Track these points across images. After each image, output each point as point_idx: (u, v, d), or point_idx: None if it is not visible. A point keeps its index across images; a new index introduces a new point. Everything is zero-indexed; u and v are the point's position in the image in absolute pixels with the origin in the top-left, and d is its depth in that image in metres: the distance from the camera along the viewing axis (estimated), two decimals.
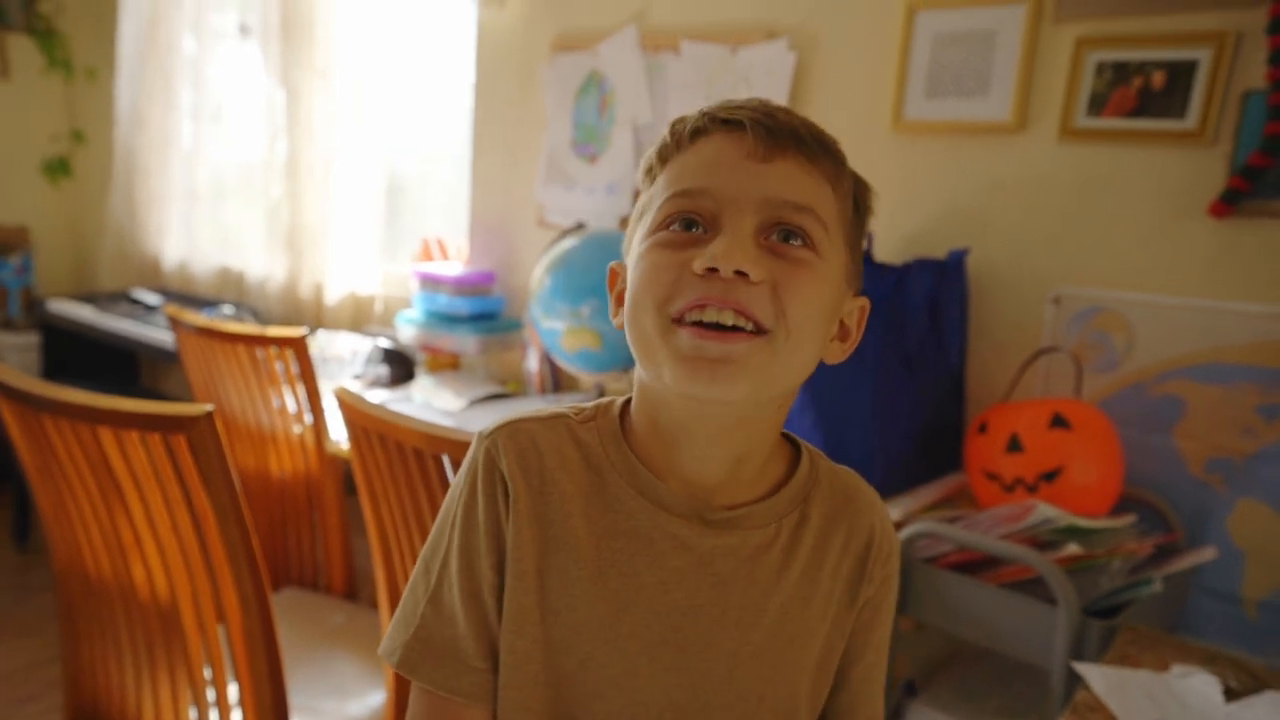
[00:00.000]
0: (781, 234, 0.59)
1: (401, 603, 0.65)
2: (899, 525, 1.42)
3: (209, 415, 1.03)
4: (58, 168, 3.59)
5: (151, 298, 2.90)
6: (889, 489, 1.53)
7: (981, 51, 1.65)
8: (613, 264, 0.68)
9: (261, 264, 2.89)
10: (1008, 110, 1.62)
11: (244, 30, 3.00)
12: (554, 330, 1.92)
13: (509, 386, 2.21)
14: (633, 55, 2.10)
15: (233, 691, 1.20)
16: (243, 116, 3.03)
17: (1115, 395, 1.54)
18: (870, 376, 1.50)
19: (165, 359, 2.42)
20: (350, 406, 1.23)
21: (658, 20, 2.08)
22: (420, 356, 2.32)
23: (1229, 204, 1.42)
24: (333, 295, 2.71)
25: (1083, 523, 1.27)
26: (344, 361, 2.20)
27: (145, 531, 1.13)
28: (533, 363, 2.16)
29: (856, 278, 0.65)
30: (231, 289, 3.03)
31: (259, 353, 1.70)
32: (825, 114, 1.87)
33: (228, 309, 2.66)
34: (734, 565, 0.62)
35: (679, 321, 0.57)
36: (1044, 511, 1.28)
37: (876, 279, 1.52)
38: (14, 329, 3.41)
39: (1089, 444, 1.41)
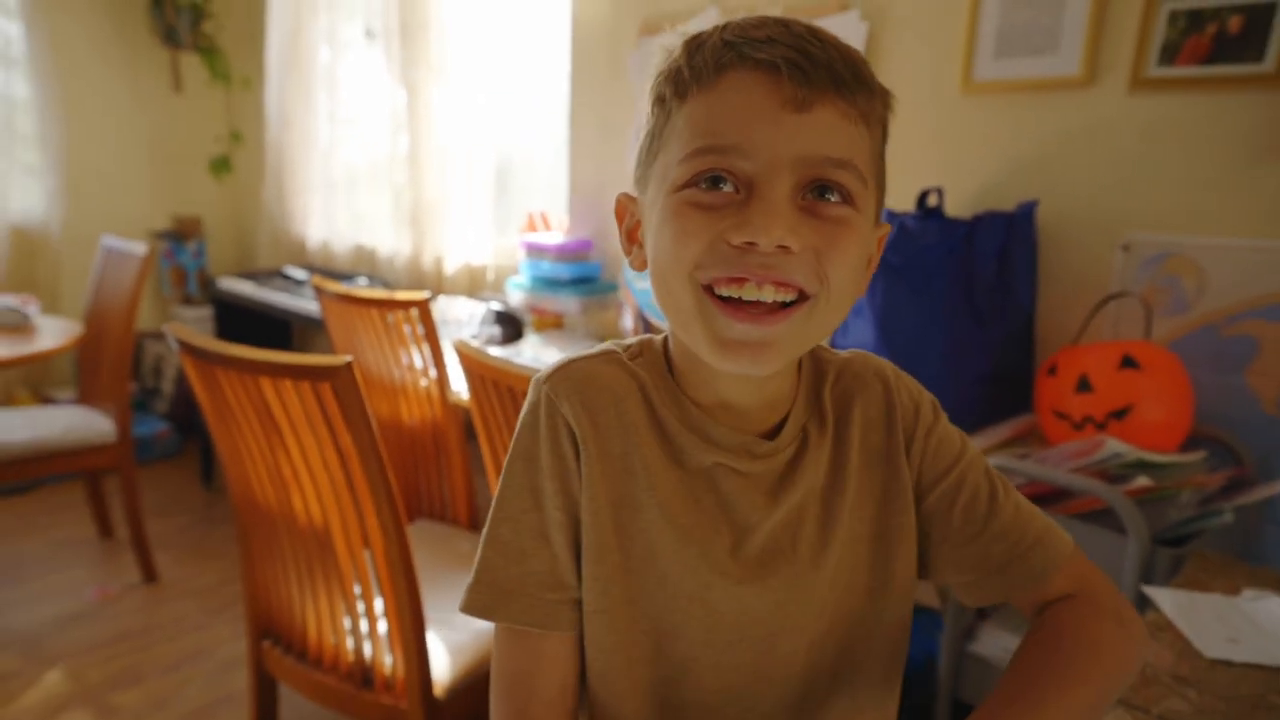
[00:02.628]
0: (818, 190, 0.51)
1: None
2: None
3: (349, 365, 1.06)
4: (221, 165, 3.77)
5: (300, 273, 3.03)
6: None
7: (1051, 9, 1.53)
8: (620, 196, 0.60)
9: (390, 241, 2.98)
10: (1077, 65, 1.50)
11: (369, 34, 3.06)
12: (647, 290, 1.91)
13: (607, 342, 2.22)
14: None
15: (378, 605, 1.25)
16: (370, 115, 3.11)
17: (1186, 337, 1.43)
18: (941, 329, 1.44)
19: (313, 326, 2.53)
20: (468, 357, 1.25)
21: (736, 0, 2.01)
22: (528, 317, 2.36)
23: None
24: (451, 266, 2.77)
25: (1152, 457, 1.20)
26: (461, 323, 2.25)
27: (301, 467, 1.18)
28: (628, 321, 2.16)
29: (881, 209, 0.58)
30: (365, 264, 3.14)
31: (389, 316, 1.75)
32: (895, 80, 1.77)
33: (362, 280, 2.75)
34: (775, 480, 0.60)
35: (710, 290, 0.51)
36: (1113, 447, 1.21)
37: (947, 233, 1.44)
38: (193, 304, 3.63)
39: (1158, 383, 1.32)
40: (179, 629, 2.15)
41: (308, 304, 2.60)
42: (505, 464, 0.61)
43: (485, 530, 0.61)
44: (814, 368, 0.63)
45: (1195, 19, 1.38)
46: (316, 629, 1.32)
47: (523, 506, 0.59)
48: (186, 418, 3.36)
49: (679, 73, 0.53)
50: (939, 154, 1.70)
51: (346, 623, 1.28)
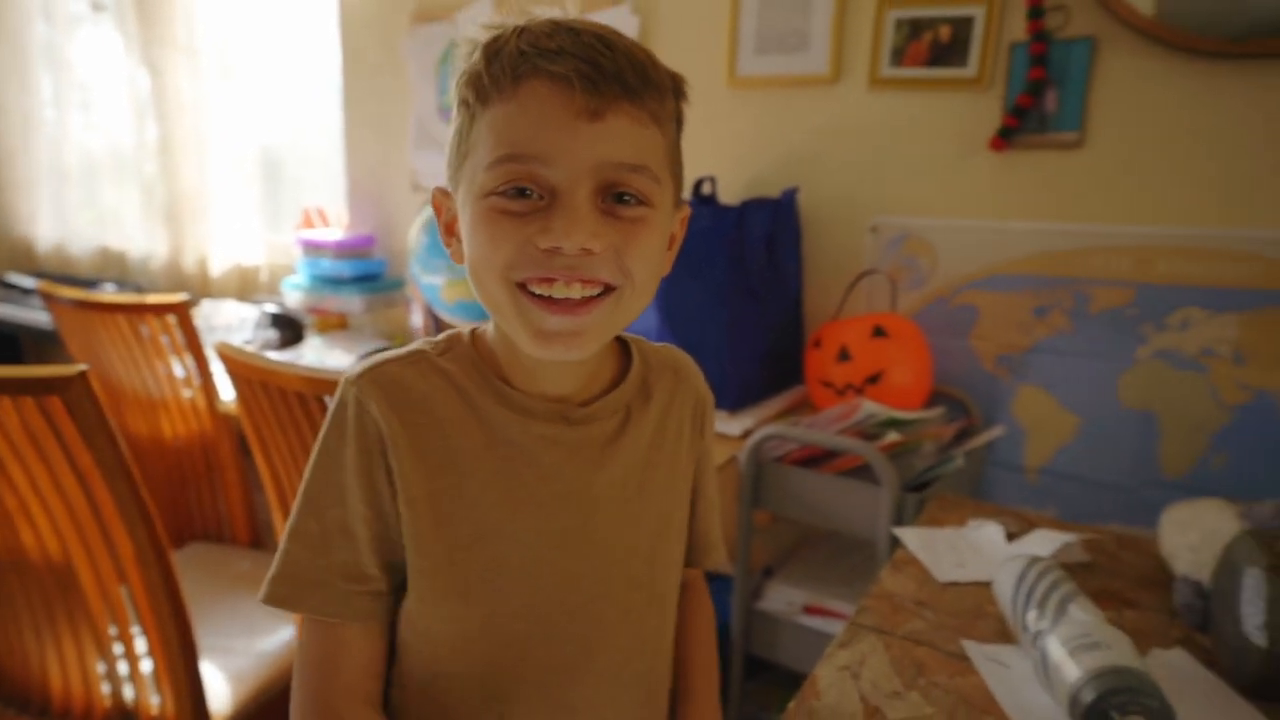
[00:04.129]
0: (616, 195, 0.56)
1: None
2: (749, 433, 1.48)
3: (83, 375, 0.95)
4: None
5: (27, 281, 2.64)
6: (741, 404, 1.58)
7: (801, 11, 1.68)
8: (435, 190, 0.63)
9: (142, 241, 2.68)
10: (825, 63, 1.66)
11: (96, 7, 2.72)
12: (433, 285, 1.87)
13: (396, 341, 2.15)
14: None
15: (141, 644, 1.14)
16: (108, 99, 2.77)
17: (924, 308, 1.63)
18: (721, 309, 1.53)
19: (48, 340, 2.22)
20: (231, 359, 1.16)
21: None
22: (309, 319, 2.22)
23: (1004, 139, 1.51)
24: (217, 267, 2.55)
25: (900, 415, 1.36)
26: (232, 328, 2.08)
27: (30, 496, 1.04)
28: (417, 317, 2.11)
29: (679, 193, 0.63)
30: (114, 268, 2.80)
31: (141, 325, 1.58)
32: None
33: (110, 287, 2.45)
34: (596, 452, 0.64)
35: (524, 287, 0.56)
36: (868, 408, 1.35)
37: (719, 220, 1.54)
38: None
39: (904, 350, 1.49)
40: None
41: (39, 315, 2.29)
42: (311, 459, 0.62)
43: (290, 523, 0.62)
44: (641, 358, 0.69)
45: (915, 26, 1.57)
46: (62, 679, 1.17)
47: (327, 501, 0.61)
48: None
49: (479, 78, 0.56)
50: (711, 144, 1.81)
51: (101, 667, 1.15)
